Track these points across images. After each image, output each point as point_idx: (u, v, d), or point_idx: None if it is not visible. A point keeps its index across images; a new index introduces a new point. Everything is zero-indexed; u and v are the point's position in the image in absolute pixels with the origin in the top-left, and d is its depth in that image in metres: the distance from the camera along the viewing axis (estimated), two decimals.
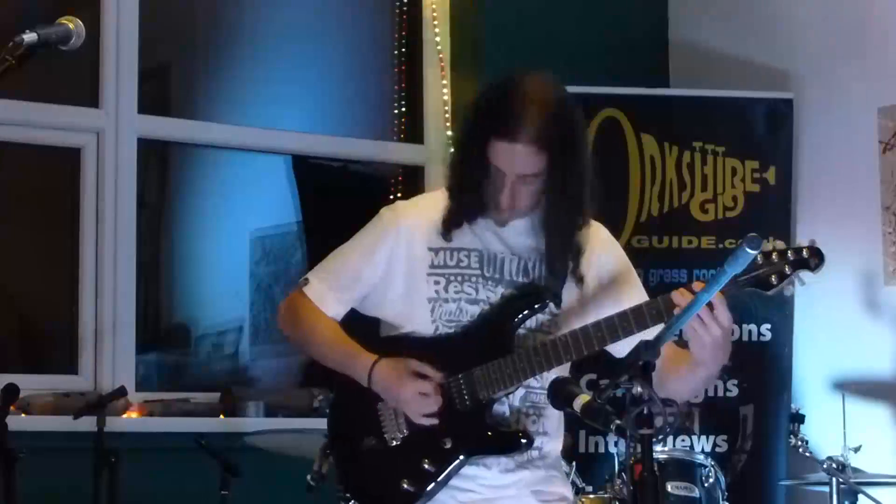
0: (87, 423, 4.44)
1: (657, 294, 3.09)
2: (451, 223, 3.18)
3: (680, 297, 3.00)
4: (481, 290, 3.17)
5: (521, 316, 3.14)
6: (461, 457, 3.12)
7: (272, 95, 5.81)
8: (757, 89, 5.77)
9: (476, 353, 3.11)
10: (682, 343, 3.18)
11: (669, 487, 4.56)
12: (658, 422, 2.70)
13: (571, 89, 5.53)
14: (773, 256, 3.00)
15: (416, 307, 3.18)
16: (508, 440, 3.13)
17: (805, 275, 3.03)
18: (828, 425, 5.18)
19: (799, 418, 5.08)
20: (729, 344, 3.03)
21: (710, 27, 6.15)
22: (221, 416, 5.20)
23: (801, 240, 5.66)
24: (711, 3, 6.20)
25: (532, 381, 3.16)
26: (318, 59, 6.00)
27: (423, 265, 3.19)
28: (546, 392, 3.13)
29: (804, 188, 5.75)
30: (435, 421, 3.10)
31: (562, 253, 3.18)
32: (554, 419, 3.23)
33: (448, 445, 3.12)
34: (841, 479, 4.68)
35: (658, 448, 4.57)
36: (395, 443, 3.15)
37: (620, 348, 3.20)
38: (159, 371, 5.59)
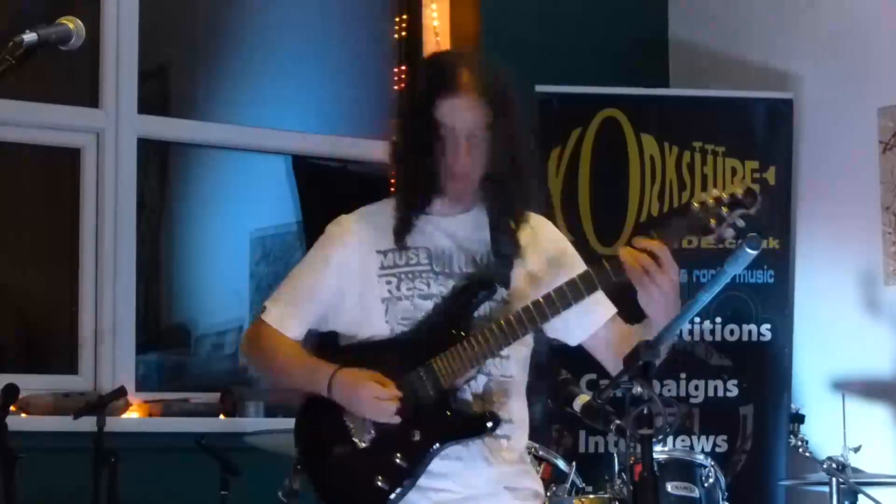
0: (87, 423, 4.43)
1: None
2: (402, 225, 3.23)
3: (626, 254, 3.04)
4: (433, 285, 3.21)
5: (472, 303, 3.18)
6: (434, 446, 3.14)
7: (272, 95, 5.81)
8: (757, 89, 5.77)
9: (433, 345, 3.15)
10: (626, 320, 3.24)
11: (669, 487, 4.56)
12: (658, 422, 2.70)
13: (571, 89, 5.63)
14: (709, 202, 3.06)
15: (371, 310, 3.22)
16: (476, 422, 3.16)
17: (743, 226, 3.05)
18: (828, 425, 5.18)
19: (799, 418, 5.08)
20: (678, 296, 3.05)
21: (710, 27, 6.15)
22: (221, 416, 5.20)
23: (802, 237, 5.70)
24: (711, 3, 6.20)
25: (493, 369, 3.20)
26: (318, 59, 6.00)
27: (374, 268, 3.23)
28: (508, 380, 3.19)
29: (804, 188, 5.74)
30: (398, 419, 3.12)
31: (507, 238, 3.23)
32: (518, 408, 3.26)
33: (417, 437, 3.14)
34: (841, 479, 4.68)
35: (658, 448, 4.57)
36: (364, 444, 3.18)
37: (572, 335, 3.28)
38: (159, 371, 5.59)
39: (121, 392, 4.66)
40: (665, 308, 3.03)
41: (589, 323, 3.26)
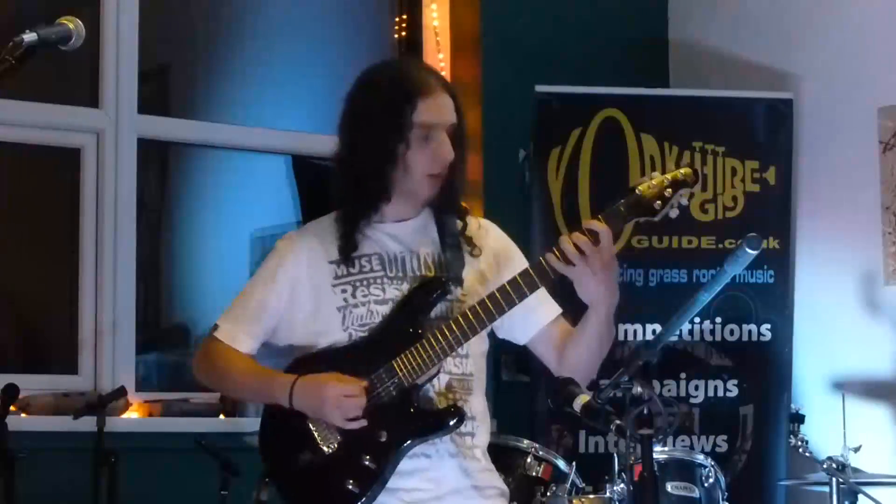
0: (87, 423, 4.44)
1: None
2: (347, 240, 3.25)
3: (563, 240, 3.05)
4: (388, 290, 3.23)
5: (427, 303, 3.20)
6: (402, 445, 3.14)
7: (272, 95, 5.81)
8: (757, 89, 5.77)
9: (392, 347, 3.16)
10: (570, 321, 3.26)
11: (669, 487, 4.56)
12: (658, 422, 2.71)
13: (571, 89, 5.62)
14: (654, 183, 3.08)
15: (327, 319, 3.23)
16: (440, 417, 3.17)
17: (685, 195, 3.09)
18: (828, 425, 5.18)
19: (799, 418, 5.08)
20: (611, 279, 3.07)
21: (710, 27, 6.15)
22: (221, 416, 5.20)
23: (802, 237, 5.70)
24: (711, 3, 6.20)
25: (453, 368, 3.22)
26: (318, 59, 6.00)
27: (328, 278, 3.25)
28: (468, 379, 3.22)
29: (804, 188, 5.75)
30: (364, 423, 3.13)
31: (455, 239, 3.27)
32: (480, 405, 3.28)
33: (384, 438, 3.15)
34: (841, 479, 4.68)
35: (658, 448, 4.57)
36: (331, 449, 3.18)
37: (518, 334, 3.31)
38: (159, 371, 5.59)
39: (121, 392, 4.66)
40: (598, 292, 3.06)
41: (533, 323, 3.29)
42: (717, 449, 5.47)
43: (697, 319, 5.44)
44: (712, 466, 4.63)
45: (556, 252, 3.06)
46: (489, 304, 3.12)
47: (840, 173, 5.66)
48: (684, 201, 3.09)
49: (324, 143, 5.70)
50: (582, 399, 2.80)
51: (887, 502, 4.72)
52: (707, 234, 5.55)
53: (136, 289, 5.23)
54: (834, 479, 4.69)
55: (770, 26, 5.95)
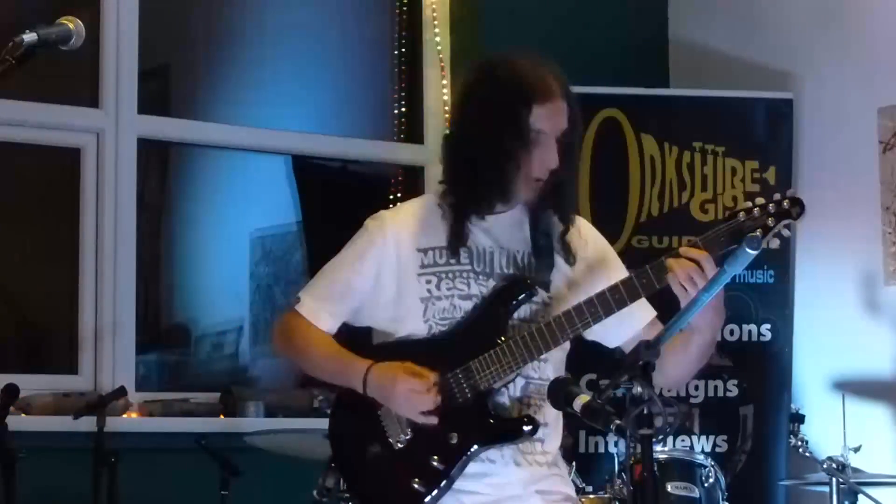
0: (87, 423, 4.44)
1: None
2: (458, 232, 3.19)
3: (672, 263, 3.03)
4: (473, 286, 3.19)
5: (512, 305, 3.16)
6: (471, 449, 3.12)
7: (272, 95, 5.81)
8: (757, 89, 5.77)
9: (471, 346, 3.13)
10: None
11: (669, 487, 4.56)
12: (658, 422, 2.70)
13: (571, 89, 5.61)
14: (755, 211, 3.06)
15: (409, 308, 3.20)
16: (513, 426, 3.14)
17: (787, 226, 3.07)
18: (828, 425, 5.18)
19: (799, 418, 5.08)
20: (721, 305, 3.06)
21: (710, 27, 6.15)
22: (221, 416, 5.20)
23: (802, 238, 5.70)
24: (711, 3, 6.20)
25: (531, 372, 3.18)
26: (318, 59, 6.00)
27: (414, 266, 3.21)
28: (545, 384, 3.16)
29: (804, 188, 5.74)
30: (435, 419, 3.10)
31: (548, 240, 3.23)
32: (553, 411, 3.23)
33: (454, 441, 3.13)
34: (841, 479, 4.68)
35: (658, 448, 4.57)
36: (400, 446, 3.15)
37: (612, 338, 3.26)
38: (159, 371, 5.59)
39: (121, 392, 4.66)
40: (707, 318, 3.04)
41: (628, 327, 3.23)
42: (717, 449, 5.47)
43: None
44: (712, 466, 4.64)
45: (663, 269, 3.02)
46: (575, 316, 3.09)
47: (840, 173, 5.66)
48: (787, 233, 3.05)
49: (324, 143, 5.79)
50: (582, 399, 2.80)
51: (887, 502, 4.72)
52: None
53: (137, 289, 5.23)
54: (834, 479, 4.69)
55: (770, 26, 5.94)
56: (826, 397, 5.51)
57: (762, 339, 5.58)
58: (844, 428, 4.85)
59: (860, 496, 4.75)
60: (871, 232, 5.49)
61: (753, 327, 5.57)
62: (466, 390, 3.12)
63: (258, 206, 5.86)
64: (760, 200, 3.07)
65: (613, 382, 2.75)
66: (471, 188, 3.19)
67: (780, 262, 5.59)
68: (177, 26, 5.81)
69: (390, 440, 3.16)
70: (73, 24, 2.49)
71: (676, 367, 3.15)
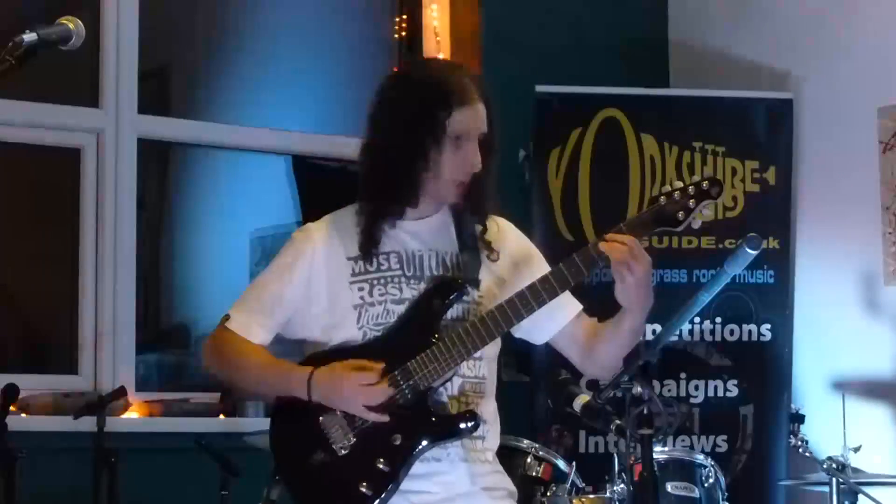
0: (87, 423, 4.43)
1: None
2: (369, 237, 3.22)
3: (606, 245, 3.06)
4: (405, 290, 3.21)
5: (444, 304, 3.19)
6: (417, 448, 3.13)
7: (272, 95, 5.81)
8: (757, 89, 5.77)
9: (407, 348, 3.15)
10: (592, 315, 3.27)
11: (669, 487, 4.56)
12: (658, 422, 2.71)
13: (571, 89, 5.63)
14: (676, 195, 3.09)
15: (342, 316, 3.21)
16: (455, 422, 3.16)
17: (708, 206, 3.09)
18: (828, 425, 5.18)
19: (799, 418, 5.08)
20: (650, 285, 3.10)
21: (710, 27, 6.15)
22: (221, 417, 5.20)
23: (802, 238, 5.70)
24: (711, 3, 6.20)
25: (466, 371, 3.20)
26: (318, 60, 6.00)
27: (345, 274, 3.23)
28: (481, 381, 3.21)
29: (804, 188, 5.75)
30: (387, 417, 3.12)
31: (476, 238, 3.26)
32: (491, 408, 3.27)
33: (398, 441, 3.14)
34: (841, 479, 4.68)
35: (658, 448, 4.57)
36: (344, 451, 3.16)
37: (540, 333, 3.30)
38: (159, 371, 5.59)
39: (121, 392, 4.66)
40: (640, 297, 3.08)
41: (556, 321, 3.28)
42: (717, 449, 5.47)
43: (697, 319, 5.44)
44: (712, 466, 4.63)
45: (589, 256, 3.06)
46: (508, 310, 3.12)
47: (840, 173, 5.66)
48: (707, 212, 3.09)
49: (324, 143, 5.79)
50: (582, 399, 2.80)
51: (887, 502, 4.72)
52: (707, 235, 5.55)
53: (136, 289, 5.23)
54: (834, 479, 4.69)
55: (770, 26, 5.95)
56: (826, 397, 5.51)
57: (762, 339, 5.58)
58: (844, 428, 4.85)
59: (860, 496, 4.75)
60: (871, 232, 5.49)
61: (753, 327, 5.57)
62: (406, 390, 3.14)
63: (258, 206, 5.87)
64: (679, 184, 3.10)
65: (613, 382, 2.75)
66: (388, 193, 3.21)
67: (780, 262, 5.59)
68: (177, 26, 5.81)
69: (334, 447, 3.16)
70: (73, 24, 2.49)
71: (609, 353, 3.20)
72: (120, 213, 5.20)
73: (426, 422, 3.15)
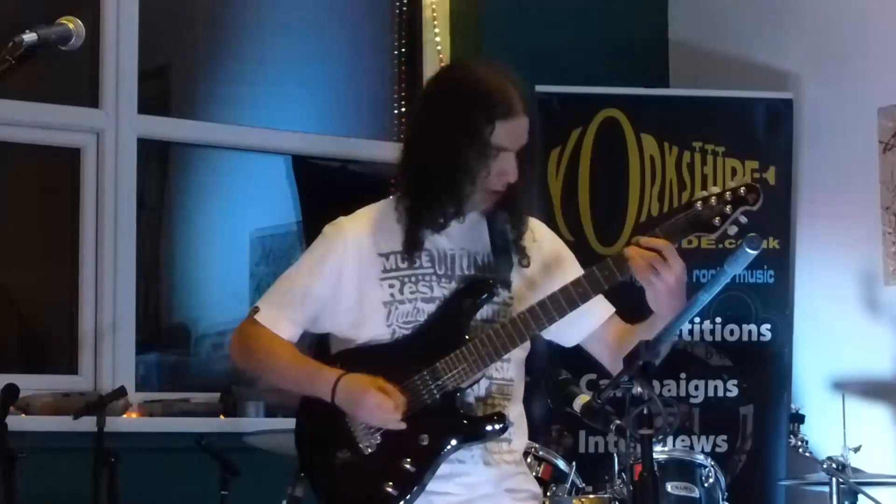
0: (87, 423, 4.43)
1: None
2: (413, 241, 3.20)
3: (634, 252, 3.04)
4: (436, 289, 3.19)
5: (474, 305, 3.17)
6: (444, 449, 3.12)
7: (272, 95, 5.81)
8: (757, 89, 5.77)
9: (436, 347, 3.14)
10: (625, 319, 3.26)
11: (669, 487, 4.56)
12: (658, 422, 2.70)
13: (571, 89, 5.62)
14: (712, 200, 3.06)
15: (371, 313, 3.20)
16: (483, 424, 3.15)
17: (745, 213, 3.06)
18: (828, 425, 5.18)
19: (799, 418, 5.07)
20: (683, 291, 3.07)
21: (710, 27, 6.15)
22: (221, 417, 5.20)
23: (802, 238, 5.69)
24: (711, 3, 6.20)
25: (494, 373, 3.19)
26: (318, 59, 6.00)
27: (375, 271, 3.21)
28: (508, 384, 3.19)
29: (804, 188, 5.74)
30: (404, 425, 3.11)
31: (506, 241, 3.24)
32: (518, 411, 3.26)
33: (426, 442, 3.13)
34: (841, 479, 4.68)
35: (658, 448, 4.57)
36: (370, 451, 3.15)
37: (571, 336, 3.29)
38: (159, 371, 5.59)
39: (121, 392, 4.66)
40: (672, 304, 3.04)
41: (588, 324, 3.26)
42: (717, 449, 5.47)
43: (697, 319, 5.44)
44: (712, 466, 4.63)
45: (623, 260, 3.04)
46: (539, 312, 3.10)
47: (840, 173, 5.66)
48: (744, 219, 3.05)
49: (324, 143, 5.79)
50: (582, 399, 2.80)
51: (887, 502, 4.72)
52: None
53: (136, 289, 5.23)
54: (834, 479, 4.69)
55: (770, 26, 5.94)
56: (826, 397, 5.51)
57: (762, 339, 5.58)
58: (844, 428, 4.85)
59: (860, 496, 4.75)
60: (871, 232, 5.49)
61: (753, 327, 5.57)
62: (434, 391, 3.13)
63: (258, 206, 5.87)
64: (716, 189, 3.08)
65: (613, 382, 2.75)
66: (426, 198, 3.18)
67: (780, 262, 5.59)
68: (177, 26, 5.81)
69: (360, 445, 3.16)
70: (73, 24, 2.49)
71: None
72: (120, 212, 5.20)
73: (455, 423, 3.14)
